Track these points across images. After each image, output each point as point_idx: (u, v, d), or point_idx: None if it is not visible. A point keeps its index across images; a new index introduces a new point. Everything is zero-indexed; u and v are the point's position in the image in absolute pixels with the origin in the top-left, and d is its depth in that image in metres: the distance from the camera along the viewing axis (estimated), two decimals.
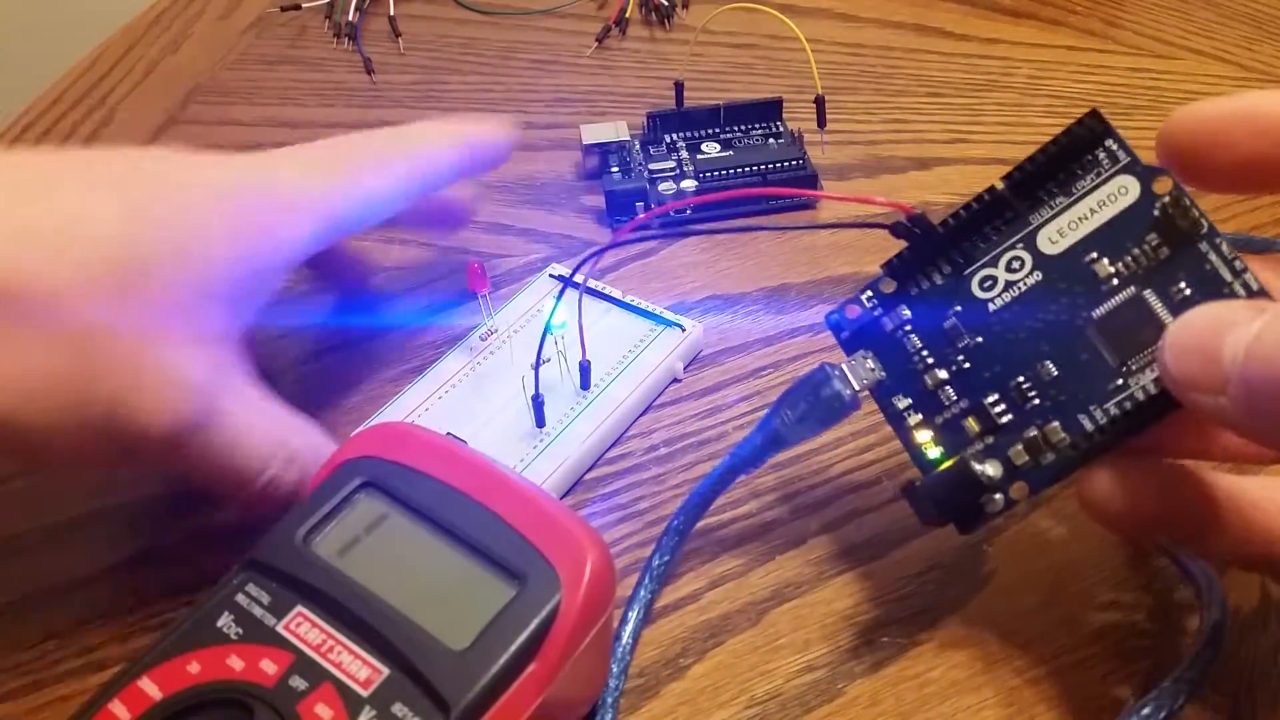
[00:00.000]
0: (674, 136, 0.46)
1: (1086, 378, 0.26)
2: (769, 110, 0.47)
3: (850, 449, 0.35)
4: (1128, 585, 0.31)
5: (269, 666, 0.23)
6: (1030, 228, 0.27)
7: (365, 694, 0.22)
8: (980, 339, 0.27)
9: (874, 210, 0.29)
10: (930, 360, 0.28)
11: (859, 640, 0.29)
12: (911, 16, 0.57)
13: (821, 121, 0.46)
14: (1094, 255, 0.26)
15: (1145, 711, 0.25)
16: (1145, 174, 0.26)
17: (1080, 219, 0.26)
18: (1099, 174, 0.26)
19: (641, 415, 0.36)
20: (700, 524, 0.32)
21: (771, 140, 0.46)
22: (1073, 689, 0.28)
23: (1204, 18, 0.57)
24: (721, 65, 0.53)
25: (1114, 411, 0.25)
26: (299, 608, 0.24)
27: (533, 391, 0.33)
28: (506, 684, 0.23)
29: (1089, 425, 0.26)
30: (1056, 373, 0.26)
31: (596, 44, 0.55)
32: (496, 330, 0.38)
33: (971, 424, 0.27)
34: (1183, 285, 0.25)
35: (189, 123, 0.51)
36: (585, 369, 0.35)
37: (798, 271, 0.41)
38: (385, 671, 0.23)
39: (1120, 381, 0.25)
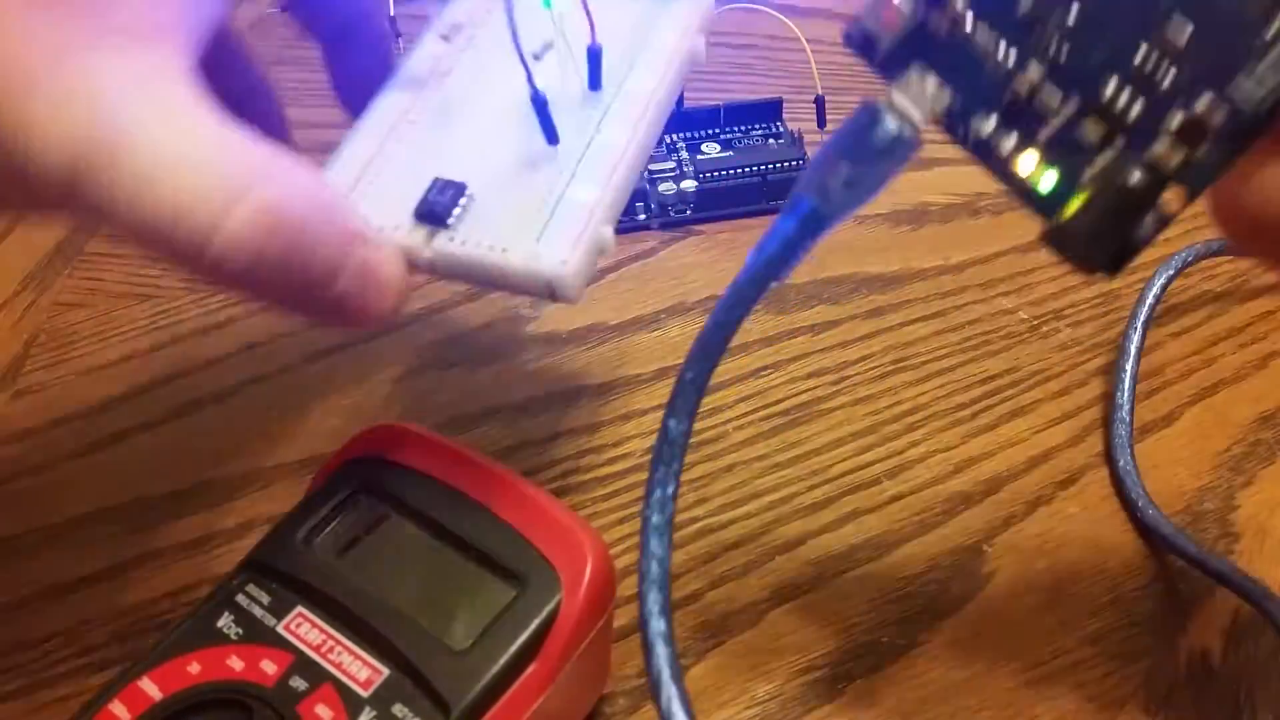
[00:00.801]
0: (674, 136, 0.46)
1: (1233, 29, 0.19)
2: (769, 110, 0.47)
3: (850, 449, 0.35)
4: (1127, 586, 0.31)
5: (269, 667, 0.23)
6: None
7: (365, 694, 0.22)
8: (1077, 6, 0.20)
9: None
10: (1015, 55, 0.21)
11: (859, 640, 0.29)
12: None
13: (821, 122, 0.46)
14: None
15: None
16: None
17: None
18: None
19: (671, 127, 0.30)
20: (700, 523, 0.32)
21: (771, 140, 0.46)
22: (1072, 690, 0.28)
23: None
24: (721, 65, 0.53)
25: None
26: (299, 608, 0.24)
27: (531, 91, 0.24)
28: (507, 684, 0.23)
29: (1256, 90, 0.19)
30: (1191, 30, 0.19)
31: None
32: (461, 26, 0.29)
33: (1092, 128, 0.20)
34: None
35: None
36: (595, 58, 0.26)
37: (798, 271, 0.41)
38: (385, 672, 0.23)
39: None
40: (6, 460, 0.35)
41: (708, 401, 0.36)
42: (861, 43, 0.23)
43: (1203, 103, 0.19)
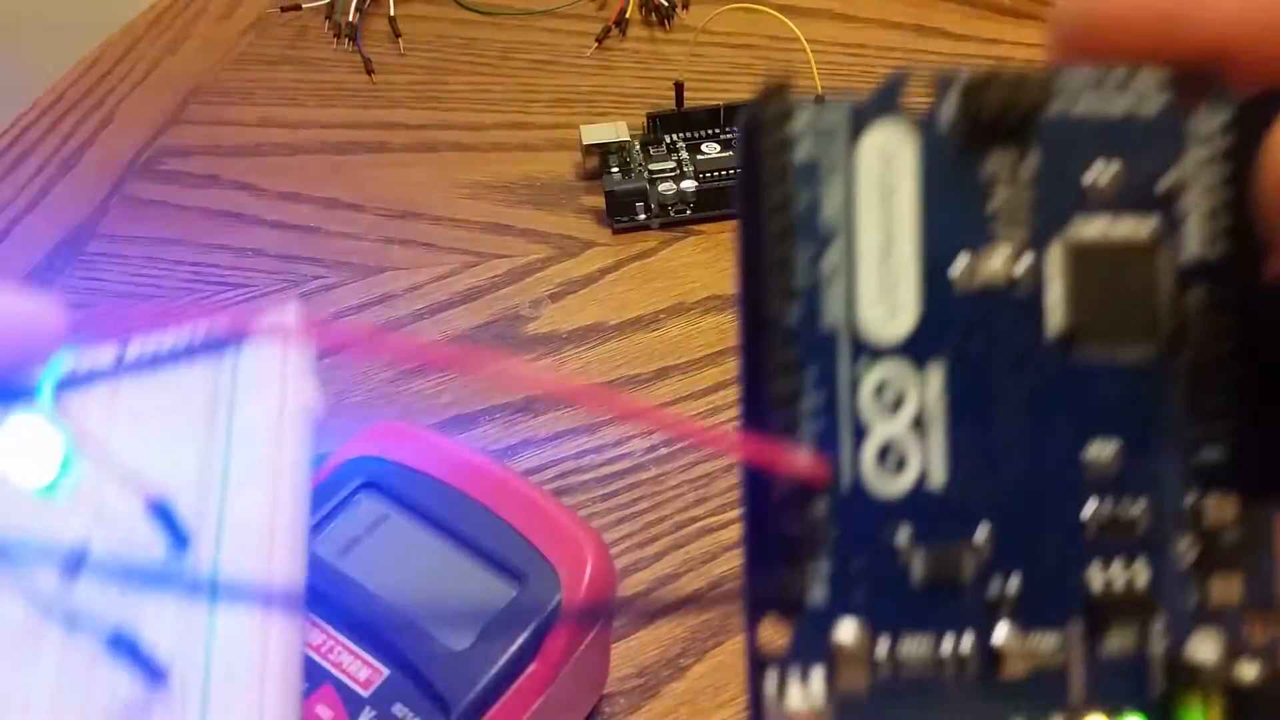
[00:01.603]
0: (674, 137, 0.46)
1: (1156, 409, 0.15)
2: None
3: None
4: None
5: None
6: (826, 327, 0.15)
7: (365, 694, 0.22)
8: (967, 501, 0.15)
9: None
10: (960, 641, 0.15)
11: None
12: (912, 17, 0.57)
13: None
14: (954, 262, 0.15)
15: None
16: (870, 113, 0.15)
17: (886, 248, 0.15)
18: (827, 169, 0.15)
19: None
20: (700, 523, 0.32)
21: None
22: None
23: None
24: (721, 65, 0.53)
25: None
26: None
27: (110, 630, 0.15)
28: (506, 684, 0.23)
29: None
30: (1118, 443, 0.15)
31: (596, 44, 0.55)
32: None
33: (1118, 639, 0.15)
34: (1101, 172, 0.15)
35: (189, 123, 0.51)
36: (161, 510, 0.16)
37: None
38: (385, 671, 0.23)
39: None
40: None
41: (707, 401, 0.36)
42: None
43: (1191, 496, 0.15)
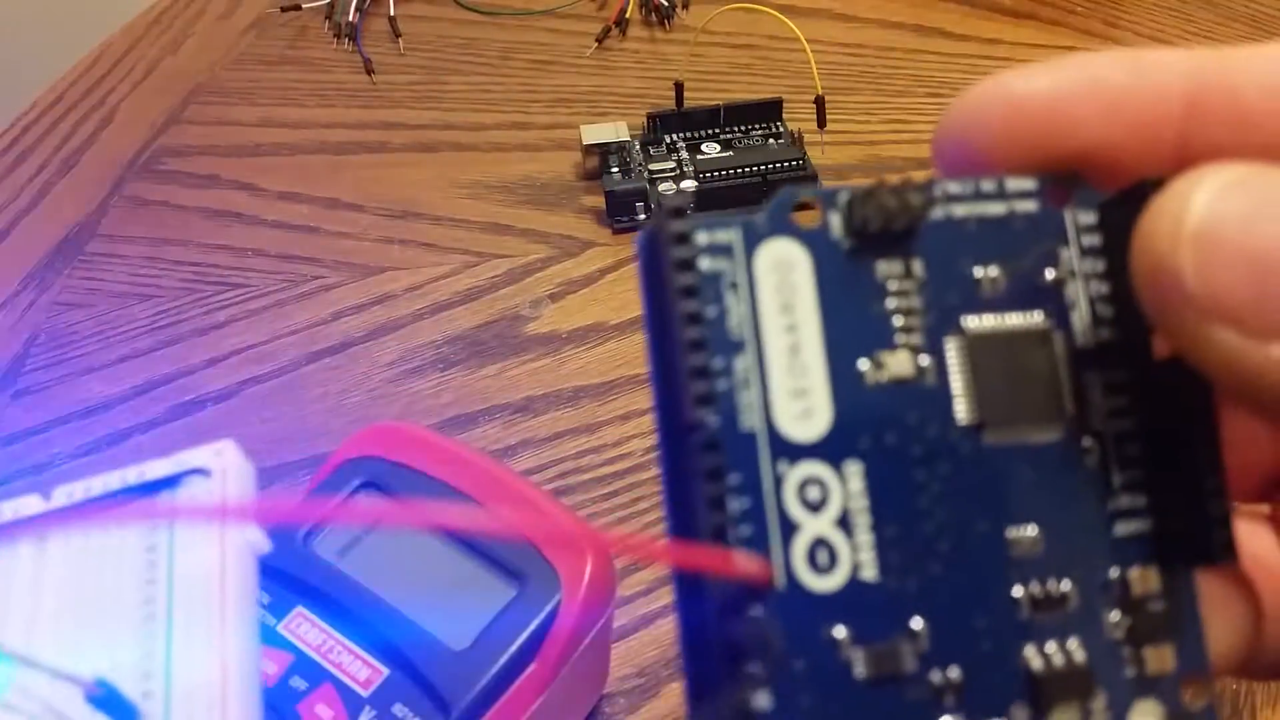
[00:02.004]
0: (674, 137, 0.46)
1: (1074, 496, 0.15)
2: (769, 110, 0.47)
3: None
4: None
5: (268, 666, 0.23)
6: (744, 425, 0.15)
7: (365, 694, 0.22)
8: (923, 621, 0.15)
9: None
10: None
11: None
12: (911, 17, 0.57)
13: (821, 122, 0.46)
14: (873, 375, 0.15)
15: None
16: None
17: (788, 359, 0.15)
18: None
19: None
20: None
21: (771, 140, 0.46)
22: None
23: (1204, 18, 0.57)
24: (721, 65, 0.53)
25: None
26: (299, 608, 0.24)
27: None
28: (506, 684, 0.23)
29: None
30: (1035, 528, 0.15)
31: (596, 44, 0.55)
32: None
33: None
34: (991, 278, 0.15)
35: (189, 123, 0.51)
36: (103, 698, 0.15)
37: None
38: (385, 671, 0.23)
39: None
40: (8, 460, 0.35)
41: None
42: None
43: (1115, 570, 0.15)
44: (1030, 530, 0.15)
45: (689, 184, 0.43)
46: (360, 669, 0.23)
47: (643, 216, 0.43)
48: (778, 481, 0.15)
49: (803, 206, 0.15)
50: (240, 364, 0.38)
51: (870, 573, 0.15)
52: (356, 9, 0.57)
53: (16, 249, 0.44)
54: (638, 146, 0.46)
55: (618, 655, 0.29)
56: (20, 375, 0.38)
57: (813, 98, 0.46)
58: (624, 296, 0.40)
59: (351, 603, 0.23)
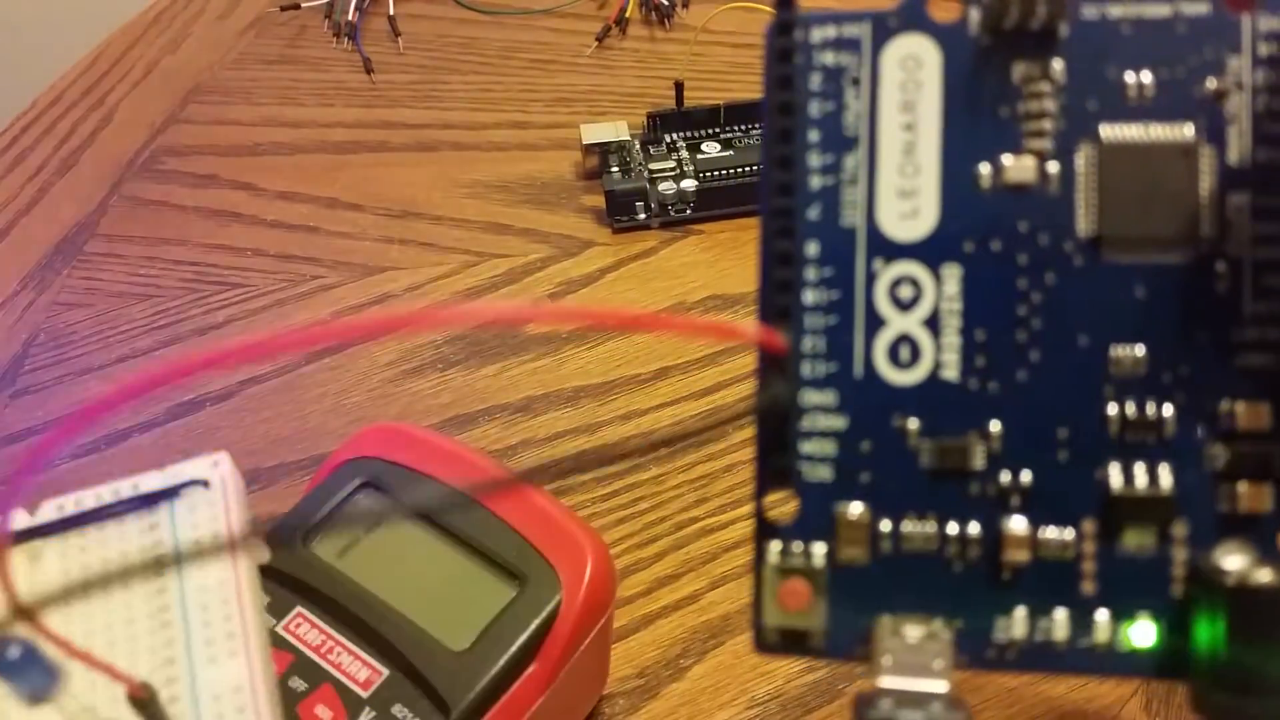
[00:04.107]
0: (674, 136, 0.46)
1: (1191, 311, 0.15)
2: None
3: None
4: None
5: None
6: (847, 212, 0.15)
7: (365, 695, 0.22)
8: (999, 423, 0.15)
9: None
10: (982, 520, 0.15)
11: None
12: None
13: None
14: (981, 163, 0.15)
15: None
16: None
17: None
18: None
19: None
20: (700, 523, 0.32)
21: None
22: (1073, 690, 0.28)
23: None
24: (721, 65, 0.53)
25: None
26: (298, 608, 0.24)
27: None
28: (506, 685, 0.23)
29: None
30: (1143, 349, 0.15)
31: (596, 44, 0.55)
32: None
33: (1133, 537, 0.15)
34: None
35: (189, 122, 0.51)
36: (146, 702, 0.16)
37: None
38: (385, 672, 0.22)
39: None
40: (6, 460, 0.35)
41: (707, 401, 0.36)
42: (784, 644, 0.16)
43: (1226, 402, 0.15)
44: (1137, 350, 0.15)
45: (689, 183, 0.43)
46: (360, 669, 0.23)
47: (642, 216, 0.43)
48: (870, 278, 0.15)
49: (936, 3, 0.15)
50: (239, 364, 0.38)
51: (951, 373, 0.15)
52: (356, 8, 0.57)
53: (15, 249, 0.44)
54: (638, 146, 0.45)
55: (618, 655, 0.29)
56: (19, 375, 0.38)
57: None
58: (624, 296, 0.40)
59: (351, 603, 0.23)
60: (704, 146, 0.45)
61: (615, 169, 0.44)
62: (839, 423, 0.15)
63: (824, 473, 0.15)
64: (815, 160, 0.15)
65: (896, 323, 0.15)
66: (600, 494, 0.33)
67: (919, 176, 0.15)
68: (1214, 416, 0.15)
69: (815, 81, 0.15)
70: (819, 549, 0.15)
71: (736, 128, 0.46)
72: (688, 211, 0.43)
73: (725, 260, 0.41)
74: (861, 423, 0.15)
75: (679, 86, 0.47)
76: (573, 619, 0.23)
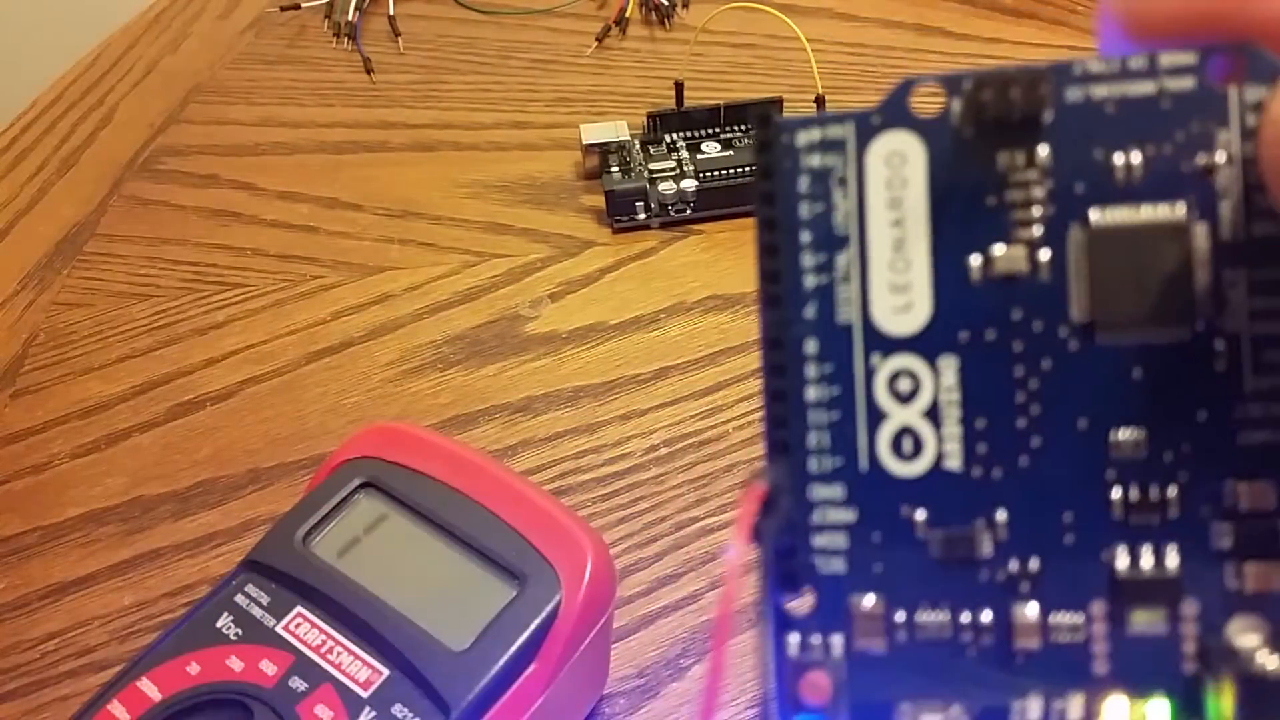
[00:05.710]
0: (674, 136, 0.46)
1: (1190, 390, 0.15)
2: (769, 110, 0.47)
3: None
4: None
5: (268, 667, 0.23)
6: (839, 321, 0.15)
7: (365, 695, 0.22)
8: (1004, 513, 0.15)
9: None
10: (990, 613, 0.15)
11: None
12: (912, 16, 0.57)
13: None
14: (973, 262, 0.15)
15: None
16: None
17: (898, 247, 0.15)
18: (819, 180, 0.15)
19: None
20: (700, 523, 0.32)
21: None
22: None
23: None
24: (721, 65, 0.53)
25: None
26: (298, 608, 0.24)
27: None
28: (506, 685, 0.23)
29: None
30: (1143, 432, 0.15)
31: (596, 44, 0.55)
32: None
33: (1143, 617, 0.15)
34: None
35: (188, 122, 0.50)
36: None
37: None
38: (385, 672, 0.23)
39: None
40: (6, 460, 0.35)
41: (707, 401, 0.36)
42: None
43: (1230, 481, 0.15)
44: (1136, 433, 0.15)
45: (689, 183, 0.43)
46: (360, 669, 0.23)
47: (642, 216, 0.43)
48: (869, 373, 0.15)
49: (917, 96, 0.15)
50: (239, 364, 0.38)
51: (955, 462, 0.15)
52: (356, 8, 0.57)
53: (15, 248, 0.44)
54: (638, 146, 0.45)
55: (618, 655, 0.29)
56: (19, 375, 0.38)
57: (813, 97, 0.46)
58: (624, 296, 0.40)
59: (351, 603, 0.23)
60: (704, 146, 0.45)
61: (615, 169, 0.44)
62: (848, 515, 0.15)
63: (837, 565, 0.16)
64: (809, 260, 0.15)
65: (898, 415, 0.15)
66: (600, 494, 0.33)
67: (910, 271, 0.15)
68: (1218, 495, 0.15)
69: (803, 184, 0.15)
70: (837, 640, 0.16)
71: (736, 128, 0.46)
72: (688, 211, 0.43)
73: (725, 260, 0.41)
74: (870, 515, 0.15)
75: (679, 86, 0.47)
76: (573, 619, 0.23)
